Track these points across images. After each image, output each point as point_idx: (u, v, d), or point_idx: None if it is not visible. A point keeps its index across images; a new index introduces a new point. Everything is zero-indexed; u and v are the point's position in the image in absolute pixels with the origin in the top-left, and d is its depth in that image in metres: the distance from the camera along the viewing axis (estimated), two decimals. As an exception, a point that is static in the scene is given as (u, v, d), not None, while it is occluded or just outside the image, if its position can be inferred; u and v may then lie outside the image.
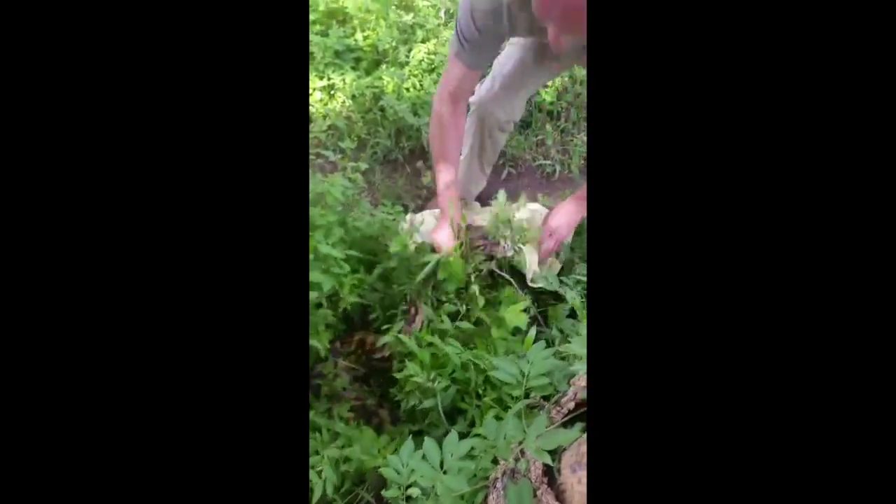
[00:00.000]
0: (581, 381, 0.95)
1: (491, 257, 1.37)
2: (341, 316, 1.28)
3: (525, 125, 2.16)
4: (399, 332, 1.25)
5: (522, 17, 1.18)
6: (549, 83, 2.13)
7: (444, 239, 1.36)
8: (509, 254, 1.35)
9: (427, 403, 1.14)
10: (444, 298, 1.31)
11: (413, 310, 1.28)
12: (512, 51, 1.54)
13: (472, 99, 1.61)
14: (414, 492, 0.90)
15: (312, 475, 0.95)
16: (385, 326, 1.29)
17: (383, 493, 0.93)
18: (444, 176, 1.43)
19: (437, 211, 1.53)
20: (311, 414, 1.15)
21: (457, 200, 1.42)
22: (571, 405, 0.93)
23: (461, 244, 1.32)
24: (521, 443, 0.89)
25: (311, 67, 2.28)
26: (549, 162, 2.06)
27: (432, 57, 2.23)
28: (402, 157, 2.08)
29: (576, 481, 0.85)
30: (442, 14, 2.46)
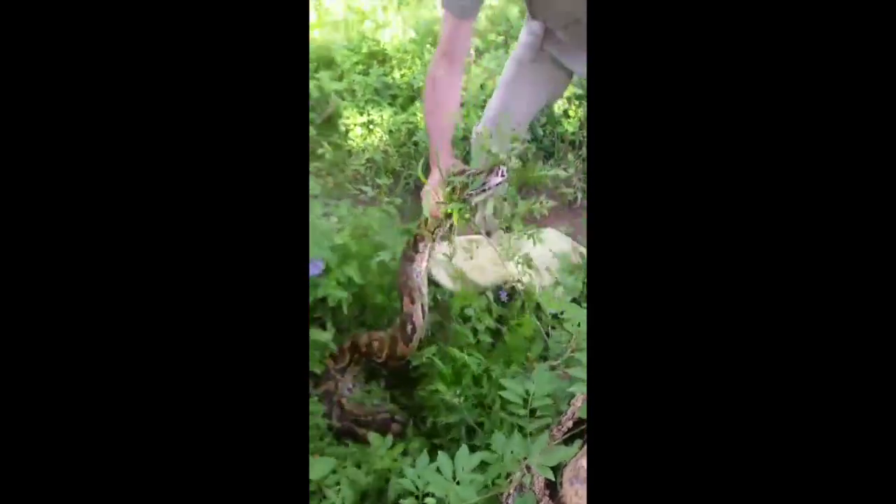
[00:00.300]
0: (579, 401, 1.04)
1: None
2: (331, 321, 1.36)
3: (548, 155, 2.28)
4: (392, 335, 1.33)
5: None
6: (572, 114, 2.24)
7: (434, 184, 1.37)
8: (506, 176, 1.29)
9: (451, 419, 1.21)
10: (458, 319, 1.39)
11: (410, 324, 1.35)
12: (498, 94, 1.66)
13: (472, 138, 1.70)
14: (430, 501, 1.01)
15: (331, 493, 1.04)
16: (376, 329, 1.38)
17: (401, 501, 1.04)
18: (436, 130, 1.45)
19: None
20: (328, 440, 1.24)
21: (447, 151, 1.42)
22: (570, 424, 1.02)
23: (453, 188, 1.29)
24: (525, 458, 0.99)
25: (352, 104, 2.47)
26: (570, 189, 2.17)
27: (463, 93, 2.37)
28: (433, 188, 2.22)
29: (573, 493, 0.93)
30: (472, 52, 2.60)
